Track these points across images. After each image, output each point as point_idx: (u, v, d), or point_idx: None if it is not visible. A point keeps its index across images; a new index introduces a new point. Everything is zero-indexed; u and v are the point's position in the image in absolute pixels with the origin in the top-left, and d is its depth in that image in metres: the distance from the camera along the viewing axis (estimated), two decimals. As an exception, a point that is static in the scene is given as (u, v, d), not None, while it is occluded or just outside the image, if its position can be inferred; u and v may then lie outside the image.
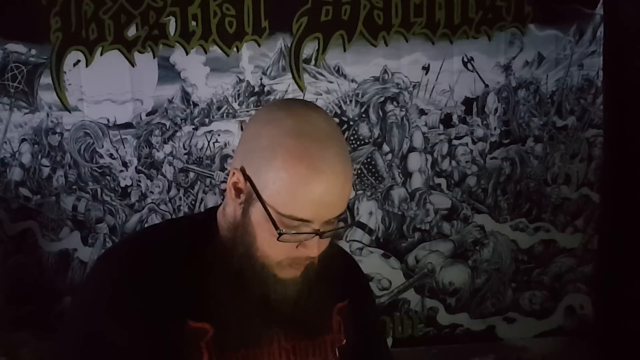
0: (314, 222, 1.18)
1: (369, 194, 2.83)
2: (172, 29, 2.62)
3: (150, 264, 1.26)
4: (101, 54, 2.60)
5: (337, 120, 2.76)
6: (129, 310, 1.21)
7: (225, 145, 2.71)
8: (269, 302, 1.24)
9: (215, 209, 1.34)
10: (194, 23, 2.63)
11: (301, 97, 2.71)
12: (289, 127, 1.17)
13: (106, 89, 2.63)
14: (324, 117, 1.23)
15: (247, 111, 2.70)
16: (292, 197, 1.16)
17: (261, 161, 1.18)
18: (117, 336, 1.21)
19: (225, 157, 2.71)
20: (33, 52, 2.58)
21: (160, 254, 1.27)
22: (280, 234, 1.17)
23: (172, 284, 1.24)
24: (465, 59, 2.79)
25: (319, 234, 1.19)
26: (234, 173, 1.22)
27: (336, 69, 2.74)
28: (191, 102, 2.69)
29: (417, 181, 2.85)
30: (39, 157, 2.64)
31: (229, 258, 1.24)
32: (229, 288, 1.24)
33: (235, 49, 2.66)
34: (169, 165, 2.72)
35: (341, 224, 1.24)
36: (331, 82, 2.74)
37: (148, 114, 2.68)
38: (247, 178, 1.20)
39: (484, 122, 2.84)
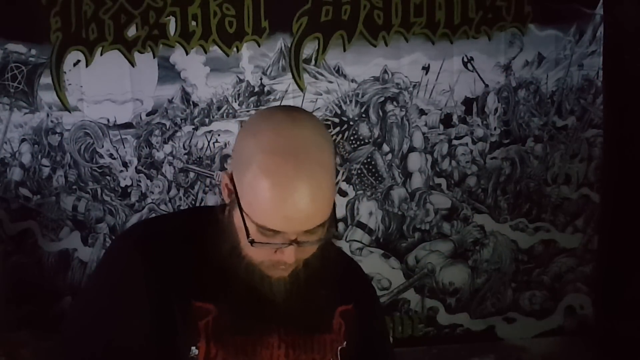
0: (288, 233, 1.21)
1: (369, 194, 2.83)
2: (172, 29, 2.62)
3: (163, 243, 1.32)
4: (101, 54, 2.60)
5: (337, 120, 2.76)
6: (147, 282, 1.27)
7: (225, 145, 2.71)
8: (259, 297, 1.28)
9: None
10: (194, 23, 2.63)
11: (301, 97, 2.72)
12: (265, 142, 1.20)
13: (106, 89, 2.63)
14: (309, 129, 1.23)
15: (247, 111, 2.70)
16: (262, 211, 1.20)
17: (241, 172, 1.23)
18: (128, 308, 1.28)
19: (225, 157, 2.72)
20: (33, 52, 2.58)
21: (172, 236, 1.34)
22: (251, 242, 1.22)
23: (181, 263, 1.30)
24: (465, 59, 2.79)
25: (294, 243, 1.22)
26: (225, 176, 1.28)
27: (336, 69, 2.74)
28: (191, 102, 2.69)
29: (417, 181, 2.85)
30: (39, 157, 2.64)
31: (219, 252, 1.29)
32: (226, 276, 1.29)
33: (235, 49, 2.66)
34: (169, 165, 2.72)
35: (322, 235, 1.25)
36: (331, 82, 2.74)
37: (148, 114, 2.68)
38: (233, 184, 1.25)
39: (484, 122, 2.84)
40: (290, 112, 1.28)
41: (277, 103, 2.71)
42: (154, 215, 2.72)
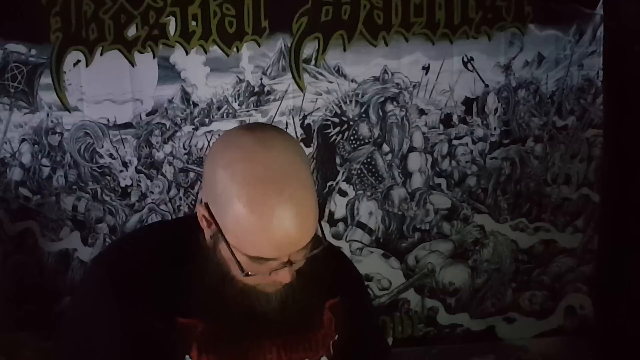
0: (281, 257, 1.21)
1: (369, 194, 2.83)
2: (172, 29, 2.62)
3: (138, 265, 1.31)
4: (101, 54, 2.60)
5: (337, 120, 2.76)
6: (120, 310, 1.27)
7: (225, 145, 2.70)
8: (254, 312, 1.27)
9: None
10: (194, 23, 2.63)
11: (301, 97, 2.72)
12: (240, 174, 1.18)
13: (106, 89, 2.63)
14: (280, 150, 1.21)
15: (247, 111, 2.70)
16: (251, 243, 1.19)
17: (220, 206, 1.21)
18: (110, 334, 1.28)
19: (225, 157, 2.71)
20: (33, 52, 2.58)
21: (149, 254, 1.33)
22: (246, 275, 1.21)
23: (160, 283, 1.28)
24: (465, 59, 2.79)
25: (288, 264, 1.22)
26: (200, 208, 1.25)
27: (336, 69, 2.74)
28: (191, 102, 2.69)
29: (417, 181, 2.85)
30: (39, 157, 2.64)
31: (209, 278, 1.28)
32: (218, 296, 1.27)
33: (235, 49, 2.66)
34: (169, 165, 2.71)
35: (311, 247, 1.25)
36: (331, 82, 2.74)
37: (148, 114, 2.67)
38: (212, 217, 1.23)
39: (484, 122, 2.84)
40: (257, 134, 1.24)
41: (277, 103, 2.71)
42: (153, 214, 2.72)
